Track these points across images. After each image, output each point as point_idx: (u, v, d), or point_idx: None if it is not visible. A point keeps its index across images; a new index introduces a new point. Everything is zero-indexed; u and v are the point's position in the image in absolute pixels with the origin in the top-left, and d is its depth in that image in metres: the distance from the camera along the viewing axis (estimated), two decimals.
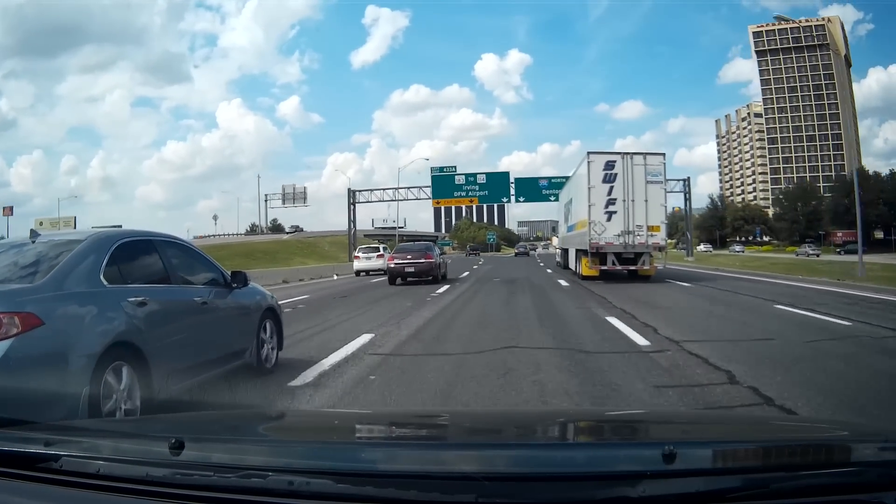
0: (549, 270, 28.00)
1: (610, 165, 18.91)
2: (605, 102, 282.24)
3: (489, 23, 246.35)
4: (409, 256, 20.43)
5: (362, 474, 1.35)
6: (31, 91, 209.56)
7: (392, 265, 20.54)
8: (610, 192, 18.82)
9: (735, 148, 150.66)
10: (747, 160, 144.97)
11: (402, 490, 1.27)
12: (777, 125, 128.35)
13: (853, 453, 1.57)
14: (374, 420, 2.62)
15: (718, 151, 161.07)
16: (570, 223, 24.78)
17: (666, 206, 19.96)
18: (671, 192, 46.86)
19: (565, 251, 27.73)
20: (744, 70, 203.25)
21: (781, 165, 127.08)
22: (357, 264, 28.70)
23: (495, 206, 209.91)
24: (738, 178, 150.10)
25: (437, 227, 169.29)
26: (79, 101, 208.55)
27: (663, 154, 19.55)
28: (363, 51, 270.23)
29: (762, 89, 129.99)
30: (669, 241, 25.51)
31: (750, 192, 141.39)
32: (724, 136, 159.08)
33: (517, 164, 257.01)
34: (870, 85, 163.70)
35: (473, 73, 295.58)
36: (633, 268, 19.15)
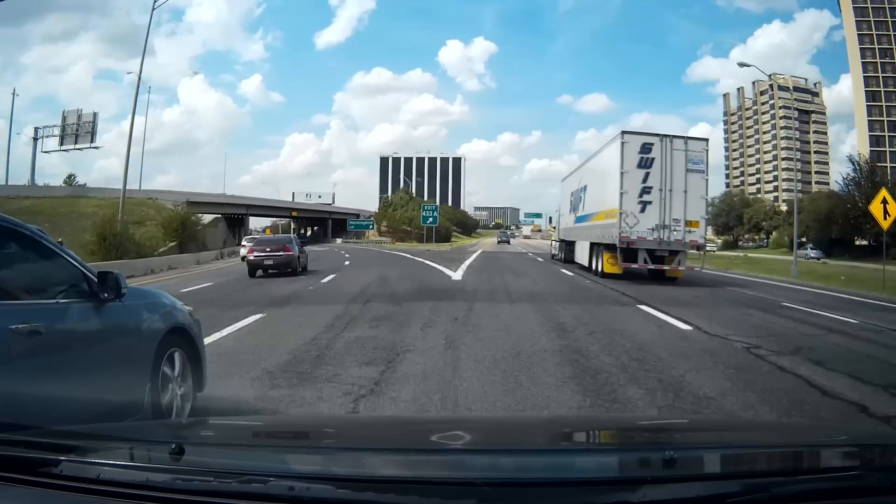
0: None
1: (647, 149, 16.42)
2: (569, 94, 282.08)
3: (456, 9, 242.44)
4: (268, 249, 20.26)
5: (362, 480, 1.35)
6: None
7: (251, 258, 20.32)
8: (645, 179, 16.38)
9: (750, 128, 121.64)
10: (767, 141, 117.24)
11: (403, 495, 1.25)
12: (880, 73, 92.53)
13: (853, 458, 1.58)
14: (375, 426, 2.64)
15: (726, 132, 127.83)
16: (581, 213, 22.16)
17: (707, 199, 17.63)
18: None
19: (569, 244, 25.23)
20: (713, 68, 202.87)
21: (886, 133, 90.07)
22: (243, 251, 28.64)
23: (450, 181, 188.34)
24: (753, 167, 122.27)
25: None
26: (42, 71, 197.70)
27: (706, 140, 17.24)
28: (327, 32, 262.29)
29: (857, 22, 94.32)
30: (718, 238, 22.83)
31: (769, 182, 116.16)
32: (734, 114, 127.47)
33: (476, 151, 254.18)
34: None
35: (437, 58, 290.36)
36: (665, 267, 16.71)
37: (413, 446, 1.88)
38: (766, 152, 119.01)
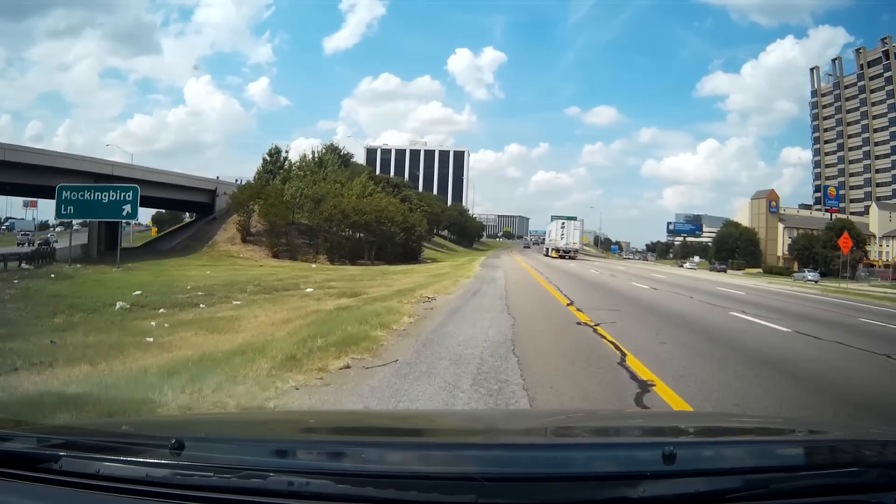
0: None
1: (562, 223, 62.36)
2: (577, 105, 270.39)
3: (467, 18, 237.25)
4: None
5: (362, 475, 1.36)
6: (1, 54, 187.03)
7: None
8: (562, 232, 62.28)
9: (853, 111, 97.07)
10: (880, 126, 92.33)
11: (402, 490, 1.28)
12: None
13: (853, 454, 1.59)
14: (374, 420, 2.76)
15: (814, 118, 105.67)
16: (550, 238, 68.20)
17: (580, 237, 62.89)
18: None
19: (547, 249, 70.57)
20: (722, 84, 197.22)
21: None
22: None
23: (450, 180, 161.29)
24: (858, 154, 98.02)
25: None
26: (49, 67, 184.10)
27: (583, 220, 63.75)
28: (337, 36, 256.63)
29: None
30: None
31: (885, 171, 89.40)
32: (825, 94, 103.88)
33: (482, 161, 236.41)
34: None
35: (446, 66, 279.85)
36: (569, 256, 61.48)
37: (412, 441, 1.92)
38: (879, 136, 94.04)
